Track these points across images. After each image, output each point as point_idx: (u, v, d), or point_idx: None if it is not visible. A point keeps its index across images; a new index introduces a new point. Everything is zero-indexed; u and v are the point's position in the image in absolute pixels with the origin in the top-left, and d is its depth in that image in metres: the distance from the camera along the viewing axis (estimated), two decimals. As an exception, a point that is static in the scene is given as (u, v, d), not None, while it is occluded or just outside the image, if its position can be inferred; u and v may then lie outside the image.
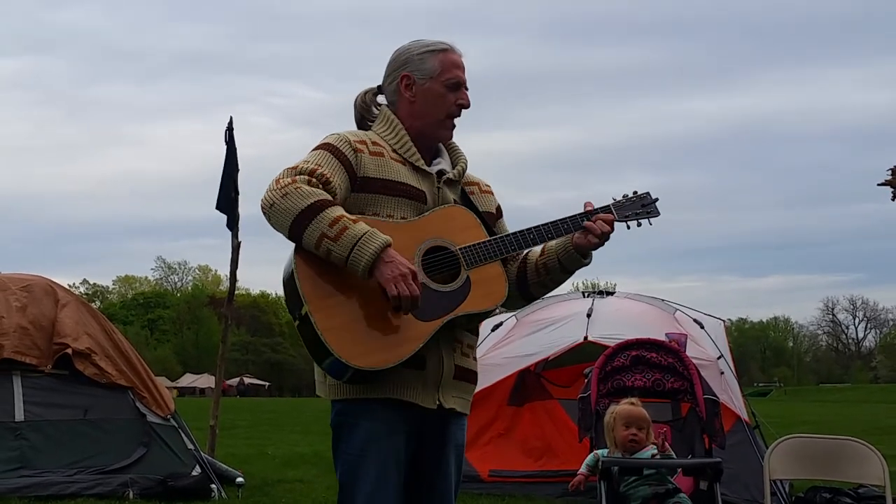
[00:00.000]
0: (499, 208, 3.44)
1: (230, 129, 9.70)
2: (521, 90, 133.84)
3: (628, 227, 3.32)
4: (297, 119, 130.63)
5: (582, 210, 3.26)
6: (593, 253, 3.28)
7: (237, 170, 9.71)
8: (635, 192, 3.35)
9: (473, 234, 3.15)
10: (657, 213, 3.35)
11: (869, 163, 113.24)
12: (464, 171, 3.32)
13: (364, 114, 3.32)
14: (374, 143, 3.16)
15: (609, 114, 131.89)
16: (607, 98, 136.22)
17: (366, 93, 3.33)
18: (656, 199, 3.36)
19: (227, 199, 9.69)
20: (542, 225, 3.21)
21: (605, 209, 3.28)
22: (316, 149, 3.10)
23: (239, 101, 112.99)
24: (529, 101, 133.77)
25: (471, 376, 3.23)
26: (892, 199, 6.04)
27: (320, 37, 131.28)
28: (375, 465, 3.03)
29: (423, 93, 3.21)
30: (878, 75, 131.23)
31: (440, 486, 3.21)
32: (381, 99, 3.32)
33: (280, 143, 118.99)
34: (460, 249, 3.08)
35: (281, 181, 2.95)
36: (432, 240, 3.08)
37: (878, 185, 6.15)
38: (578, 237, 3.22)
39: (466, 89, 3.25)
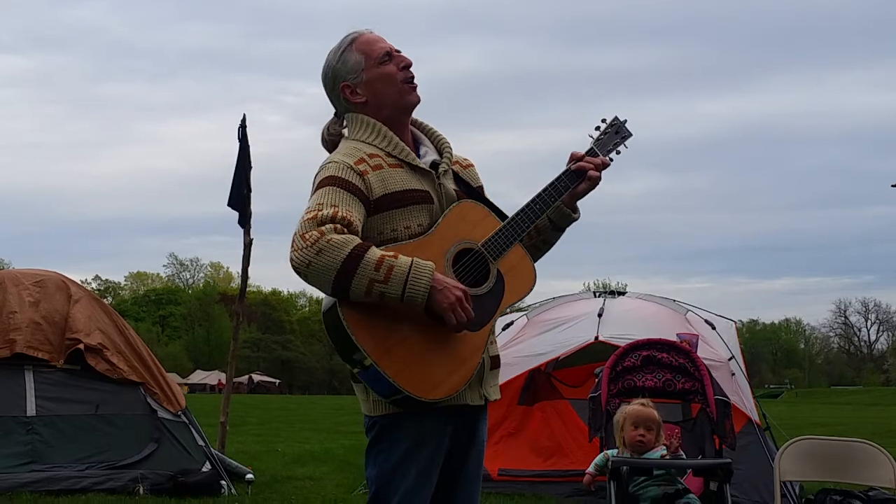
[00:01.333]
0: (480, 186, 3.41)
1: (243, 126, 9.72)
2: (528, 90, 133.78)
3: (611, 159, 3.37)
4: (309, 117, 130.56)
5: (568, 162, 3.29)
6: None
7: (250, 167, 9.73)
8: (604, 121, 3.40)
9: (489, 224, 3.14)
10: (630, 134, 3.40)
11: (881, 165, 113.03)
12: (451, 157, 3.29)
13: (335, 144, 3.25)
14: (370, 156, 3.10)
15: (618, 114, 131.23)
16: (616, 99, 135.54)
17: (330, 125, 3.27)
18: (625, 120, 3.41)
19: (240, 197, 9.71)
20: (542, 190, 3.22)
21: (591, 153, 3.32)
22: (323, 186, 3.01)
23: (250, 99, 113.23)
24: (536, 101, 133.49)
25: (499, 361, 3.26)
26: (906, 201, 5.99)
27: (332, 35, 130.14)
28: (417, 467, 3.02)
29: (368, 85, 3.15)
30: (891, 77, 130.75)
31: (467, 482, 3.23)
32: (344, 123, 3.26)
33: (291, 141, 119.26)
34: (483, 245, 3.08)
35: (308, 237, 2.84)
36: (455, 245, 3.06)
37: (893, 185, 6.11)
38: (583, 185, 3.26)
39: (398, 51, 3.20)
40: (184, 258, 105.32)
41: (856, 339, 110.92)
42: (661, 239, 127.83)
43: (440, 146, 3.30)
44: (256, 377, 79.58)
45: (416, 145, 3.25)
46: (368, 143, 3.14)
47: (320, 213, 2.90)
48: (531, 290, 3.19)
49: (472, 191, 3.27)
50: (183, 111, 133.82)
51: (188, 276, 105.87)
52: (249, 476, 8.76)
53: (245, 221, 9.83)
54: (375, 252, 2.86)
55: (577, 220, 3.34)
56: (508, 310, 3.35)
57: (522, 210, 3.18)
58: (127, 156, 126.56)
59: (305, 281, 2.88)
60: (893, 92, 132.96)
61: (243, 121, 9.75)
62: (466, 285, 2.97)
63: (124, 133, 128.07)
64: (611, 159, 3.35)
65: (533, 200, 3.20)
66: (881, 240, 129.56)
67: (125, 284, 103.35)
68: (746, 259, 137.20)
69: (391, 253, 2.89)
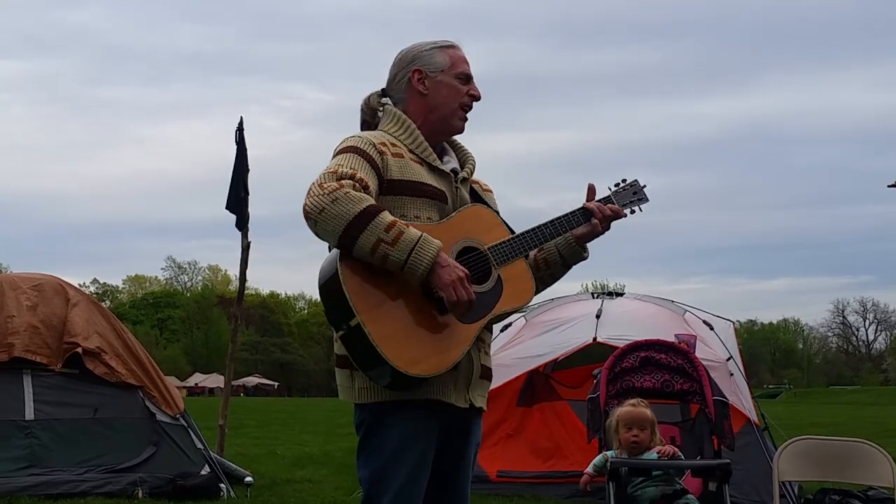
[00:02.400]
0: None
1: (240, 129, 9.72)
2: (527, 91, 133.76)
3: (625, 215, 3.45)
4: (306, 121, 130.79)
5: (587, 194, 3.40)
6: (591, 249, 3.41)
7: (247, 170, 9.73)
8: (624, 181, 3.48)
9: (498, 233, 3.21)
10: (647, 199, 3.49)
11: (878, 164, 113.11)
12: (473, 170, 3.38)
13: (369, 118, 3.34)
14: (392, 145, 3.16)
15: (615, 115, 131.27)
16: (613, 99, 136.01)
17: (371, 96, 3.34)
18: (645, 186, 3.50)
19: (237, 200, 9.71)
20: (556, 218, 3.31)
21: (607, 200, 3.42)
22: (343, 152, 3.07)
23: (247, 102, 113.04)
24: (535, 102, 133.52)
25: (490, 374, 3.29)
26: (903, 201, 5.99)
27: (328, 38, 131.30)
28: (408, 464, 3.04)
29: (436, 85, 3.25)
30: (886, 77, 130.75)
31: (459, 485, 3.26)
32: (385, 101, 3.34)
33: (288, 145, 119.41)
34: (489, 249, 3.13)
35: (326, 185, 2.89)
36: (463, 241, 3.11)
37: (889, 186, 6.11)
38: (583, 228, 3.34)
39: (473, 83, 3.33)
40: (182, 261, 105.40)
41: (854, 338, 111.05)
42: (659, 239, 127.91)
43: (464, 158, 3.38)
44: (254, 380, 79.59)
45: (440, 155, 3.30)
46: (395, 136, 3.21)
47: (340, 170, 2.96)
48: (528, 301, 3.27)
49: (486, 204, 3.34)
50: (180, 114, 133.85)
51: (186, 279, 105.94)
52: (248, 479, 8.75)
53: (243, 224, 9.82)
54: (388, 215, 2.91)
55: (585, 258, 3.43)
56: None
57: (533, 230, 3.26)
58: (124, 158, 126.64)
59: (314, 229, 2.92)
60: (890, 91, 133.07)
61: (240, 124, 9.75)
62: None
63: (121, 136, 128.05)
64: (625, 214, 3.44)
65: (544, 224, 3.28)
66: (879, 239, 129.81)
67: (123, 288, 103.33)
68: (744, 259, 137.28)
69: (404, 221, 2.94)
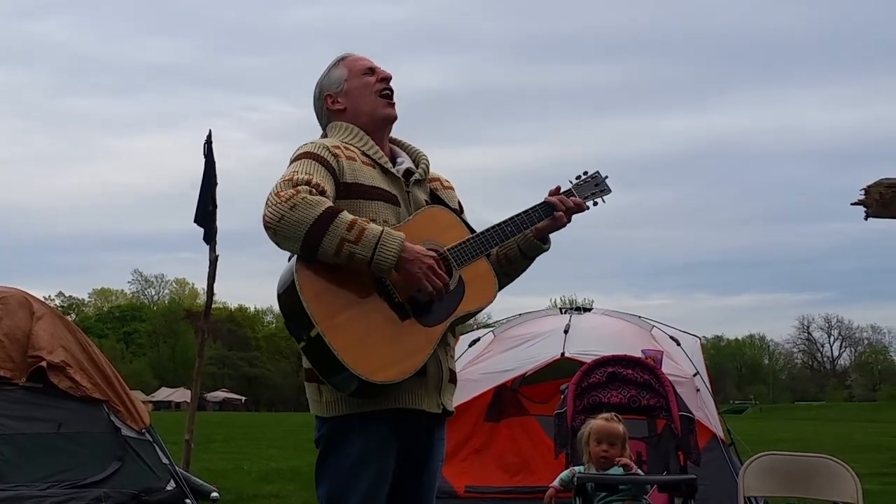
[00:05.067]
0: (460, 204, 3.48)
1: (209, 142, 9.69)
2: (491, 107, 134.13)
3: (587, 208, 3.44)
4: (272, 134, 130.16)
5: (546, 196, 3.37)
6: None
7: (215, 183, 9.69)
8: (586, 172, 3.48)
9: (457, 233, 3.20)
10: (609, 191, 3.48)
11: (840, 182, 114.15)
12: (427, 168, 3.38)
13: None
14: (346, 148, 3.19)
15: (579, 131, 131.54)
16: (577, 116, 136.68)
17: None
18: (606, 177, 3.49)
19: (205, 213, 9.67)
20: (517, 215, 3.30)
21: (568, 193, 3.40)
22: (299, 159, 3.09)
23: (213, 116, 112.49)
24: (499, 117, 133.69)
25: (456, 377, 3.29)
26: (866, 219, 6.06)
27: (294, 52, 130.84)
28: (366, 482, 3.03)
29: (347, 94, 3.30)
30: (848, 95, 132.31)
31: (422, 496, 3.25)
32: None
33: (254, 158, 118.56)
34: (449, 250, 3.12)
35: (283, 194, 2.90)
36: (422, 243, 3.10)
37: (852, 204, 6.17)
38: (546, 221, 3.32)
39: (383, 71, 3.35)
40: (149, 274, 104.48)
41: (819, 354, 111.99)
42: (625, 255, 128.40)
43: (416, 159, 3.37)
44: (222, 394, 79.03)
45: (392, 157, 3.32)
46: (347, 142, 3.23)
47: (296, 176, 2.98)
48: (491, 301, 3.25)
49: (444, 205, 3.33)
50: (146, 126, 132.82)
51: (153, 293, 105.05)
52: (214, 494, 8.71)
53: (210, 238, 9.78)
54: (348, 215, 2.92)
55: (546, 250, 3.41)
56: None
57: (494, 228, 3.24)
58: (91, 171, 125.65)
59: (274, 238, 2.91)
60: (851, 109, 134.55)
61: (209, 137, 9.72)
62: None
63: (88, 148, 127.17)
64: (587, 206, 3.42)
65: (505, 222, 3.27)
66: (840, 256, 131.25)
67: (89, 301, 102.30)
68: (710, 275, 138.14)
69: (363, 218, 2.96)
